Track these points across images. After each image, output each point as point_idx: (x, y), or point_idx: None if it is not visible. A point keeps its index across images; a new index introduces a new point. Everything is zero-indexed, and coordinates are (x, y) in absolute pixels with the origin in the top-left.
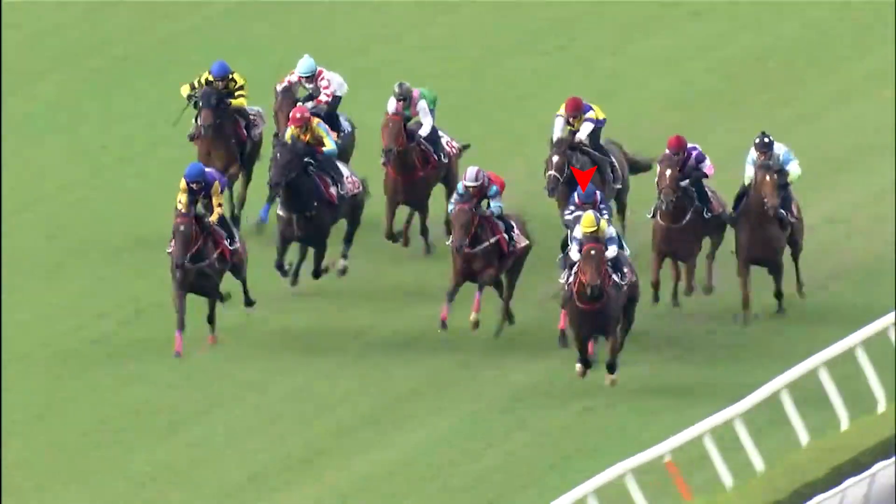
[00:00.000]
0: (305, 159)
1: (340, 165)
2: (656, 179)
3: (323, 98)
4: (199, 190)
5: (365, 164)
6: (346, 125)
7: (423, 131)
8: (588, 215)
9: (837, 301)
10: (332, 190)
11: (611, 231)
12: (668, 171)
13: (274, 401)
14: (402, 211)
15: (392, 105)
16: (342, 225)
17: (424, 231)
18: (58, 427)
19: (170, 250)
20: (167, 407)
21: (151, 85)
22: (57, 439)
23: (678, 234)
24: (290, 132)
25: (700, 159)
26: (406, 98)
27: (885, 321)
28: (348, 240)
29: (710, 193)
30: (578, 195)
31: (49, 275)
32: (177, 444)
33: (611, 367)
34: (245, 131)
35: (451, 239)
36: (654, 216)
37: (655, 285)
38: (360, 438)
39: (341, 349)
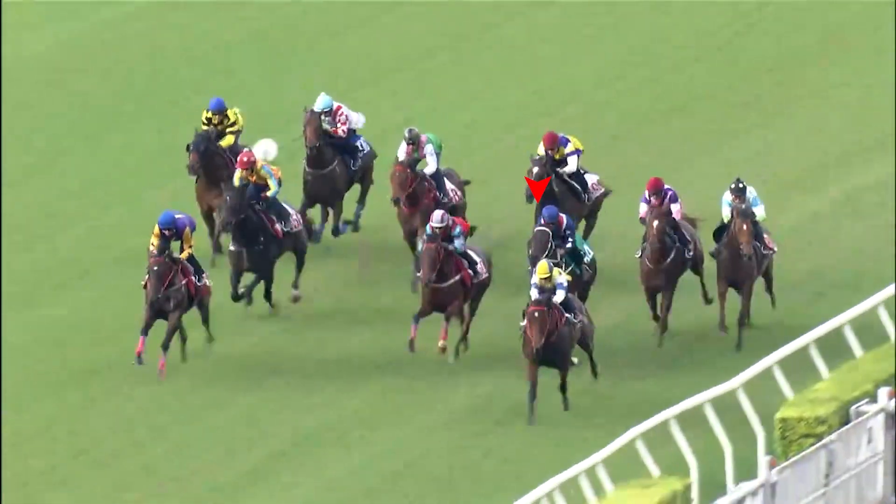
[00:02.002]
0: (252, 201)
1: (286, 206)
2: (646, 224)
3: (340, 132)
4: (171, 235)
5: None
6: (365, 146)
7: (428, 171)
8: (542, 264)
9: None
10: (278, 226)
11: (561, 279)
12: (656, 223)
13: (216, 423)
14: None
15: (403, 150)
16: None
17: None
18: (54, 442)
19: (144, 284)
20: (126, 426)
21: (159, 116)
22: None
23: (662, 272)
24: (238, 174)
25: (673, 200)
26: (415, 142)
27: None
28: (298, 268)
29: (687, 235)
30: (543, 215)
31: (47, 293)
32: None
33: (563, 388)
34: None
35: (419, 272)
36: (640, 256)
37: (656, 318)
38: (306, 458)
39: (290, 371)
